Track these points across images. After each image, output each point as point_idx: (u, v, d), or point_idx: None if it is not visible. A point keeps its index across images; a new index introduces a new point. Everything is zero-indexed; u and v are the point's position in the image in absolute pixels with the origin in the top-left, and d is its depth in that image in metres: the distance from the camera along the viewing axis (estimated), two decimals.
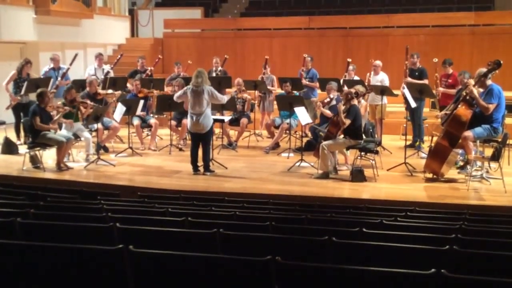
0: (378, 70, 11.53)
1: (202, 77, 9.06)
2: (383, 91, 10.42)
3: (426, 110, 11.40)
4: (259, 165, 9.95)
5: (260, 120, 12.77)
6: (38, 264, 3.73)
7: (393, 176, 9.07)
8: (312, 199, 7.68)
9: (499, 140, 8.41)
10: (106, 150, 10.94)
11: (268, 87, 12.47)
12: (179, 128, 11.46)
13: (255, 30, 17.70)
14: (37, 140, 9.33)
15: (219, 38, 17.87)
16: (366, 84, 11.06)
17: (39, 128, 9.30)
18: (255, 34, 17.52)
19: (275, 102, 12.23)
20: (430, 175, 8.81)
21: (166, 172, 9.50)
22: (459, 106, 8.40)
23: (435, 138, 9.40)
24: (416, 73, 10.94)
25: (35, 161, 9.54)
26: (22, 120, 10.88)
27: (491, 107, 8.17)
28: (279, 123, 11.25)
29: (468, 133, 8.23)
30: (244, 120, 11.51)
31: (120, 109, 10.48)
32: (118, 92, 11.84)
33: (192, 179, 9.00)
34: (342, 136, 9.07)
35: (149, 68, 12.91)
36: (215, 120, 9.92)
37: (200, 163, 9.32)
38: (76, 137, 10.13)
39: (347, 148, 9.29)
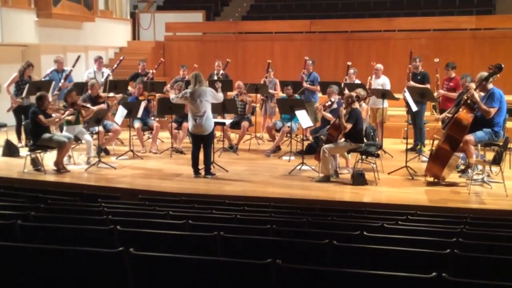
0: (379, 74, 11.54)
1: (201, 80, 9.08)
2: (384, 94, 10.42)
3: (427, 113, 11.39)
4: (260, 168, 9.95)
5: (262, 124, 12.77)
6: (39, 267, 3.73)
7: (394, 179, 9.06)
8: (313, 203, 7.67)
9: (500, 144, 8.40)
10: (107, 152, 10.95)
11: (271, 91, 12.49)
12: (180, 131, 11.47)
13: (256, 33, 17.72)
14: (38, 142, 9.34)
15: (220, 41, 17.89)
16: (367, 87, 11.05)
17: (46, 123, 9.32)
18: (256, 38, 17.54)
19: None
20: (431, 179, 8.80)
21: (167, 175, 9.50)
22: (460, 110, 8.40)
23: (436, 142, 9.39)
24: (419, 77, 10.92)
25: (36, 164, 9.54)
26: (23, 123, 10.89)
27: (493, 111, 8.17)
28: (280, 126, 11.26)
29: (469, 137, 8.22)
30: (245, 123, 11.51)
31: (121, 112, 10.49)
32: (120, 95, 11.86)
33: (193, 182, 8.99)
34: (343, 139, 9.07)
35: (150, 71, 12.93)
36: (216, 123, 9.93)
37: (201, 165, 9.32)
38: (77, 139, 10.14)
39: (348, 152, 9.28)
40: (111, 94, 11.78)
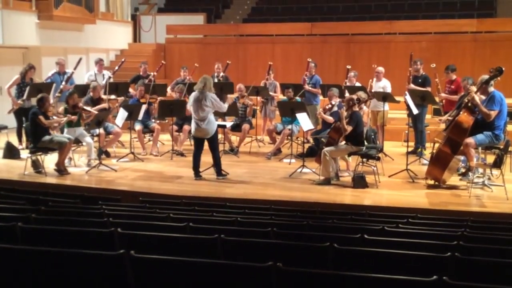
0: (380, 77, 11.54)
1: (206, 83, 9.07)
2: (385, 97, 10.42)
3: (428, 116, 11.39)
4: (260, 171, 9.95)
5: (262, 126, 12.77)
6: (39, 269, 3.73)
7: (395, 182, 9.06)
8: (313, 205, 7.67)
9: (501, 147, 8.40)
10: (107, 155, 10.96)
11: (271, 93, 12.49)
12: (180, 134, 11.48)
13: (257, 36, 17.73)
14: (39, 145, 9.35)
15: (221, 44, 17.91)
16: (368, 90, 11.05)
17: (47, 125, 9.33)
18: (257, 40, 17.56)
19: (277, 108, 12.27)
20: (431, 182, 8.80)
21: (168, 177, 9.50)
22: (461, 112, 8.40)
23: (437, 145, 9.39)
24: (420, 80, 10.91)
25: (37, 166, 9.55)
26: (24, 125, 10.89)
27: (493, 114, 8.17)
28: (281, 129, 11.25)
29: (470, 140, 8.22)
30: (245, 126, 11.52)
31: (122, 114, 10.49)
32: (121, 98, 11.87)
33: (194, 185, 9.00)
34: (343, 142, 9.06)
35: (151, 74, 12.94)
36: (217, 126, 9.92)
37: (201, 168, 9.33)
38: (78, 142, 10.15)
39: (349, 154, 9.28)
40: (112, 97, 11.79)
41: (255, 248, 4.32)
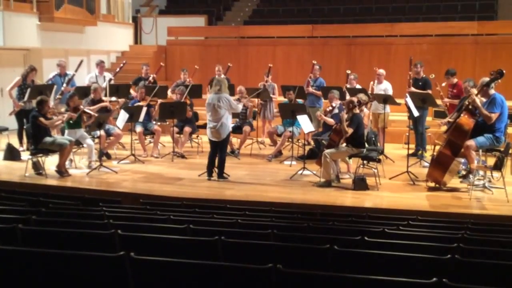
0: (381, 79, 11.54)
1: (221, 85, 9.15)
2: (385, 99, 10.42)
3: (428, 119, 11.38)
4: (261, 173, 9.95)
5: (262, 128, 12.78)
6: (40, 271, 3.73)
7: (395, 184, 9.06)
8: (314, 207, 7.67)
9: (502, 149, 8.40)
10: (108, 157, 10.96)
11: (271, 95, 12.51)
12: (181, 136, 11.48)
13: (258, 38, 17.74)
14: (40, 146, 9.35)
15: (222, 46, 17.92)
16: (369, 92, 11.05)
17: (48, 125, 9.34)
18: (258, 42, 17.56)
19: (275, 110, 12.28)
20: (432, 184, 8.80)
21: (168, 179, 9.50)
22: (462, 115, 8.40)
23: (437, 147, 9.39)
24: (420, 83, 10.89)
25: (38, 168, 9.56)
26: (25, 126, 10.91)
27: (494, 116, 8.16)
28: (282, 131, 11.26)
29: (471, 142, 8.22)
30: (246, 128, 11.52)
31: (123, 116, 10.50)
32: (122, 100, 11.88)
33: (194, 187, 9.00)
34: (344, 144, 9.07)
35: (151, 75, 12.96)
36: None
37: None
38: (79, 143, 10.15)
39: (350, 157, 9.29)
40: (113, 98, 11.80)
41: (256, 250, 4.32)
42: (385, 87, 11.39)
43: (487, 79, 8.40)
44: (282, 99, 12.50)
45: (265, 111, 12.58)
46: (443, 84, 10.87)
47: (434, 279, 3.17)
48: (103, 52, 17.04)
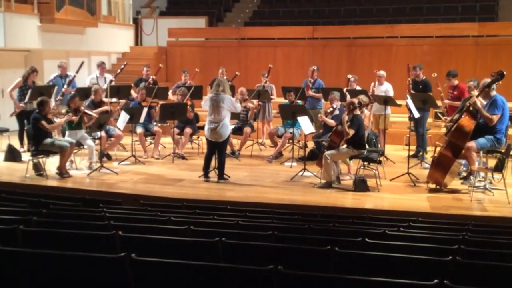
0: (382, 80, 11.53)
1: (224, 86, 9.16)
2: (386, 101, 10.41)
3: (429, 120, 11.37)
4: (262, 174, 9.95)
5: (261, 129, 12.78)
6: (40, 272, 3.73)
7: (396, 186, 9.06)
8: (314, 209, 7.66)
9: (503, 150, 8.40)
10: (109, 158, 10.96)
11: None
12: (182, 137, 11.48)
13: (259, 39, 17.74)
14: (40, 147, 9.35)
15: (223, 47, 17.92)
16: (370, 94, 11.05)
17: (50, 129, 9.35)
18: (259, 44, 17.57)
19: (274, 111, 12.29)
20: (433, 186, 8.79)
21: (169, 180, 9.50)
22: (463, 116, 8.39)
23: (438, 149, 9.38)
24: (420, 86, 10.85)
25: (38, 169, 9.56)
26: (25, 128, 10.91)
27: (495, 118, 8.16)
28: (282, 132, 11.26)
29: (472, 144, 8.21)
30: (247, 129, 11.52)
31: (124, 117, 10.50)
32: (123, 101, 11.88)
33: (195, 188, 9.00)
34: (345, 146, 9.07)
35: (150, 77, 12.96)
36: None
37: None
38: (79, 145, 10.15)
39: (350, 158, 9.28)
40: (114, 100, 11.80)
41: (256, 251, 4.32)
42: (385, 89, 11.38)
43: (488, 80, 8.39)
44: (279, 100, 12.51)
45: (264, 112, 12.59)
46: (444, 85, 10.86)
47: (435, 280, 3.16)
48: (103, 53, 17.04)
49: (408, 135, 10.62)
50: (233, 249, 4.31)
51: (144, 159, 10.99)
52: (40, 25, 14.28)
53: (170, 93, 13.06)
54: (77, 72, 12.38)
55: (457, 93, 10.48)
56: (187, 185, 9.14)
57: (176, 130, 11.34)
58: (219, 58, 16.84)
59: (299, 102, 11.66)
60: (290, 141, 11.04)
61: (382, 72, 11.64)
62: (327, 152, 8.95)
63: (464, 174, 9.09)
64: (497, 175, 8.74)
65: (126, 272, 3.56)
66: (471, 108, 8.32)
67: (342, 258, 4.07)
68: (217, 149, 9.27)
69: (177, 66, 17.15)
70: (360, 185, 8.68)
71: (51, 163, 9.93)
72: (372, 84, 11.73)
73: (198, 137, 12.16)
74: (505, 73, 8.28)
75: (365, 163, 9.16)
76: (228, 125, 9.25)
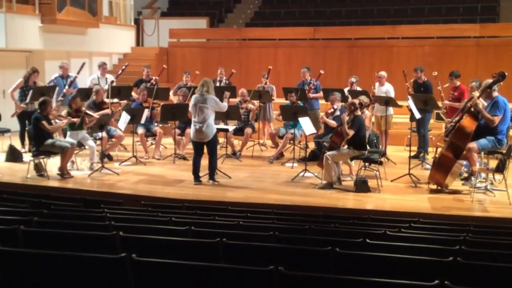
0: (383, 81, 11.52)
1: (208, 86, 9.10)
2: (387, 102, 10.40)
3: (431, 121, 11.36)
4: (263, 175, 9.95)
5: (262, 129, 12.78)
6: (41, 272, 3.73)
7: (397, 187, 9.05)
8: (315, 209, 7.66)
9: (504, 151, 8.39)
10: (110, 158, 10.96)
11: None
12: (183, 138, 11.48)
13: (260, 40, 17.74)
14: (41, 148, 9.36)
15: (224, 48, 17.92)
16: (371, 95, 11.04)
17: (51, 130, 9.36)
18: (260, 44, 17.57)
19: (274, 112, 12.29)
20: (434, 187, 8.79)
21: (170, 181, 9.50)
22: (464, 117, 8.39)
23: (439, 150, 9.38)
24: (422, 88, 10.82)
25: (39, 169, 9.56)
26: (27, 128, 10.92)
27: (497, 119, 8.15)
28: (284, 133, 11.26)
29: (473, 145, 8.21)
30: (248, 130, 11.52)
31: (125, 117, 10.51)
32: (124, 102, 11.88)
33: (196, 188, 9.00)
34: (346, 146, 9.06)
35: (153, 78, 12.96)
36: (219, 130, 9.95)
37: (202, 172, 9.32)
38: (81, 145, 10.16)
39: (351, 159, 9.28)
40: (115, 100, 11.81)
41: (257, 252, 4.32)
42: (386, 89, 11.37)
43: (489, 81, 8.39)
44: (279, 100, 12.51)
45: (265, 113, 12.60)
46: (445, 85, 10.85)
47: (436, 281, 3.16)
48: (105, 54, 17.05)
49: (409, 136, 10.62)
50: (234, 249, 4.31)
51: (145, 160, 11.00)
52: (42, 25, 14.29)
53: (171, 94, 13.06)
54: (78, 73, 12.39)
55: (457, 94, 10.46)
56: (188, 186, 9.14)
57: (177, 131, 11.34)
58: (220, 59, 16.84)
59: (301, 103, 11.65)
60: (291, 141, 11.04)
61: (383, 73, 11.63)
62: (328, 153, 8.94)
63: (465, 175, 9.08)
64: (498, 176, 8.75)
65: (127, 272, 3.56)
66: (472, 109, 8.31)
67: (343, 259, 4.07)
68: (208, 150, 9.22)
69: (178, 67, 17.16)
70: (361, 186, 8.67)
71: (52, 164, 9.94)
72: (373, 86, 11.71)
73: None
74: (506, 74, 8.28)
75: (366, 164, 9.15)
76: (213, 125, 9.19)
